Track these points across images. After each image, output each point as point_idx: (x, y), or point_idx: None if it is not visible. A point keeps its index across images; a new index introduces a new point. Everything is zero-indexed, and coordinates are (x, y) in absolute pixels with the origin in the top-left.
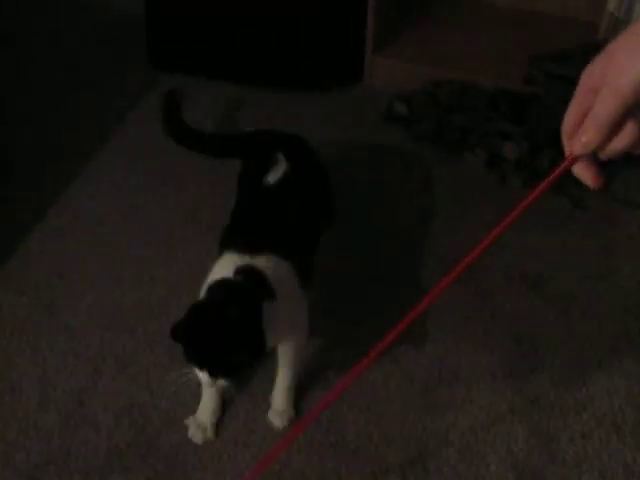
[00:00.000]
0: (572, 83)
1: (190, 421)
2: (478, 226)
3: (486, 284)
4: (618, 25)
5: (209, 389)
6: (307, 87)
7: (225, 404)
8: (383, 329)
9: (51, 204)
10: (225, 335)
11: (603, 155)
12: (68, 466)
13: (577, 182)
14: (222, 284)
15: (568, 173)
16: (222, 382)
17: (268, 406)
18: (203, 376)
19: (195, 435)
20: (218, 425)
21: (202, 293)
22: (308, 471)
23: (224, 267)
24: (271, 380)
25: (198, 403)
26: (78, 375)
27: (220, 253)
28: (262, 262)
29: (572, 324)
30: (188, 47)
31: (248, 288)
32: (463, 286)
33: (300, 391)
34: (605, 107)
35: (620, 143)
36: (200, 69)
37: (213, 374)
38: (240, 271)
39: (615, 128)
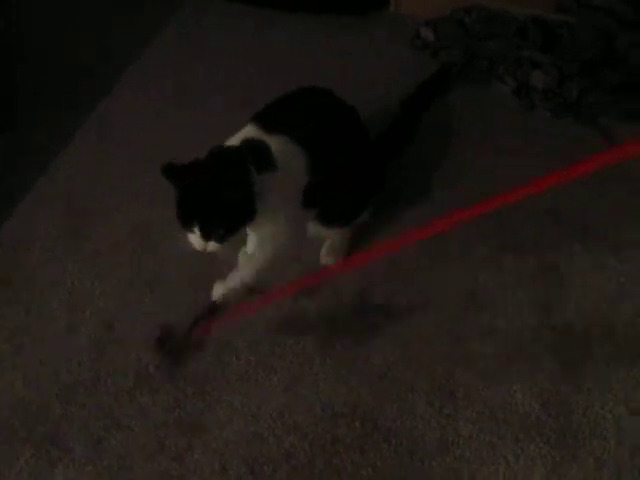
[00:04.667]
0: (604, 13)
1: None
2: (499, 152)
3: (511, 216)
4: None
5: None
6: (334, 11)
7: (252, 328)
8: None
9: (79, 127)
10: (215, 192)
11: None
12: (97, 388)
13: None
14: (221, 149)
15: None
16: (212, 246)
17: (292, 331)
18: (195, 239)
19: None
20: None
21: None
22: (334, 397)
23: (238, 137)
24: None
25: (225, 327)
26: (107, 298)
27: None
28: (274, 140)
29: (599, 257)
30: None
31: (244, 154)
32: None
33: None
34: None
35: None
36: None
37: (204, 233)
38: (246, 141)
39: None
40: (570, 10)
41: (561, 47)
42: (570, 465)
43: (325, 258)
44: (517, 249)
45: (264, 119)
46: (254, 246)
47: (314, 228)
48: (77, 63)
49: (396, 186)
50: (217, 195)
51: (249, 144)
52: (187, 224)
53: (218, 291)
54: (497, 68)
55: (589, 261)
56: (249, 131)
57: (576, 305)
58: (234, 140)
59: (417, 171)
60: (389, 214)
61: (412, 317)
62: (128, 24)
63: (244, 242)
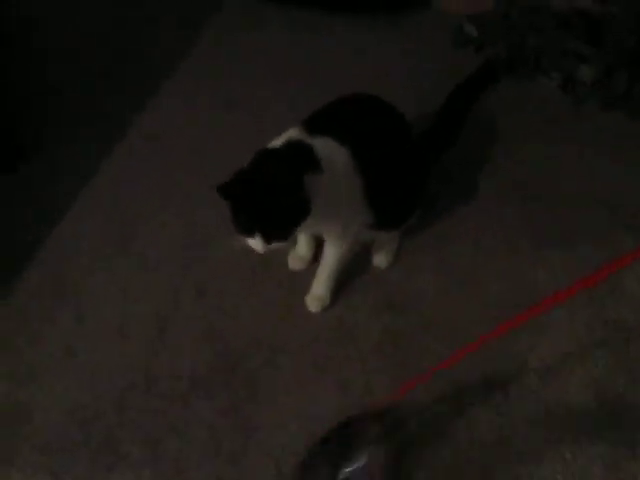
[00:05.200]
0: None
1: (290, 253)
2: (551, 149)
3: (558, 210)
4: None
5: (303, 232)
6: (373, 10)
7: (304, 330)
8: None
9: (130, 126)
10: (271, 197)
11: None
12: (151, 392)
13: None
14: (267, 152)
15: None
16: (275, 246)
17: (345, 336)
18: (256, 243)
19: (292, 263)
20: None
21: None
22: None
23: (280, 140)
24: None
25: (277, 330)
26: (157, 302)
27: None
28: (318, 141)
29: None
30: None
31: (289, 155)
32: (539, 205)
33: None
34: None
35: None
36: None
37: (265, 238)
38: (289, 142)
39: None
40: None
41: (605, 38)
42: (629, 463)
43: (377, 260)
44: (568, 242)
45: (308, 123)
46: (306, 246)
47: (366, 232)
48: (109, 71)
49: (442, 184)
50: (273, 200)
51: (291, 145)
52: (247, 232)
53: (313, 302)
54: (542, 62)
55: None
56: (292, 133)
57: (630, 299)
58: (276, 142)
59: (462, 169)
60: (436, 213)
61: (461, 311)
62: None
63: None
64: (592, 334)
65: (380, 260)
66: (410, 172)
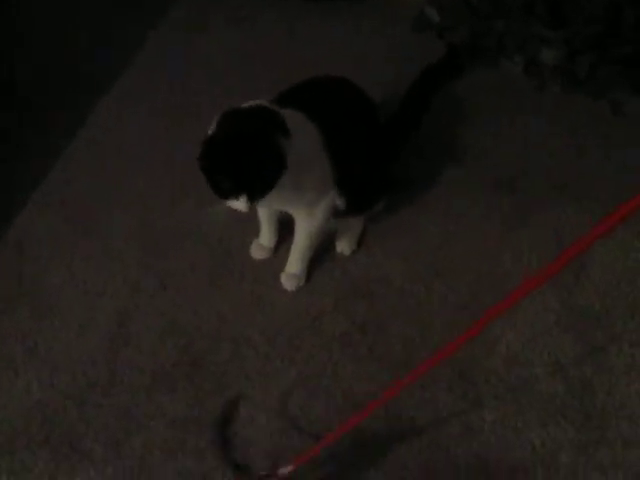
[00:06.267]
0: None
1: (253, 243)
2: (513, 134)
3: (526, 194)
4: None
5: (266, 221)
6: None
7: (269, 321)
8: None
9: (81, 126)
10: (248, 154)
11: None
12: (114, 387)
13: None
14: (233, 111)
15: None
16: (257, 204)
17: (311, 325)
18: (239, 204)
19: (255, 252)
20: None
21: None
22: (355, 384)
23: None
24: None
25: (242, 322)
26: (118, 297)
27: None
28: (287, 112)
29: (620, 237)
30: None
31: (258, 115)
32: (509, 195)
33: None
34: None
35: None
36: None
37: (250, 196)
38: (256, 105)
39: None
40: None
41: (569, 21)
42: (597, 447)
43: (340, 246)
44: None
45: (277, 98)
46: (269, 235)
47: (331, 220)
48: (76, 63)
49: (408, 170)
50: (254, 157)
51: (259, 108)
52: (230, 195)
53: (288, 281)
54: (505, 46)
55: (610, 242)
56: (261, 102)
57: (597, 286)
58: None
59: (428, 154)
60: (402, 198)
61: (431, 300)
62: (127, 22)
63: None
64: (559, 320)
65: (344, 246)
66: (378, 155)
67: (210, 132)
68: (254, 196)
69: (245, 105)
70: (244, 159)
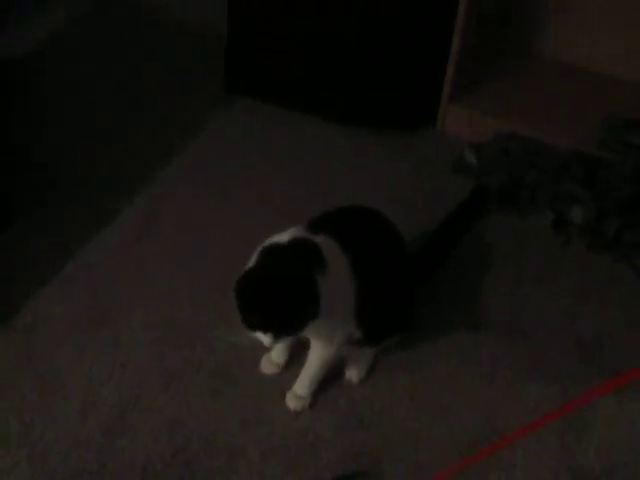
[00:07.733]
0: None
1: (264, 357)
2: (535, 286)
3: (539, 347)
4: None
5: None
6: (379, 125)
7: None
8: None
9: (104, 221)
10: (284, 297)
11: None
12: (102, 476)
13: None
14: (273, 247)
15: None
16: (281, 341)
17: (307, 448)
18: (265, 338)
19: (265, 367)
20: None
21: (253, 257)
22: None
23: (281, 236)
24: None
25: (240, 432)
26: (122, 387)
27: None
28: (321, 240)
29: (626, 403)
30: (265, 72)
31: (299, 252)
32: (517, 346)
33: None
34: None
35: None
36: (272, 96)
37: (276, 334)
38: (295, 239)
39: None
40: (612, 147)
41: (601, 183)
42: None
43: (349, 373)
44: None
45: (311, 225)
46: (281, 351)
47: (346, 347)
48: (110, 158)
49: (424, 310)
50: (288, 298)
51: (299, 242)
52: (257, 328)
53: (293, 402)
54: (537, 199)
55: (614, 405)
56: (295, 231)
57: (599, 444)
58: (280, 238)
59: (445, 296)
60: (415, 334)
61: (432, 440)
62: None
63: None
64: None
65: (353, 374)
66: (402, 290)
67: (249, 265)
68: (280, 336)
69: (285, 236)
70: (278, 301)
